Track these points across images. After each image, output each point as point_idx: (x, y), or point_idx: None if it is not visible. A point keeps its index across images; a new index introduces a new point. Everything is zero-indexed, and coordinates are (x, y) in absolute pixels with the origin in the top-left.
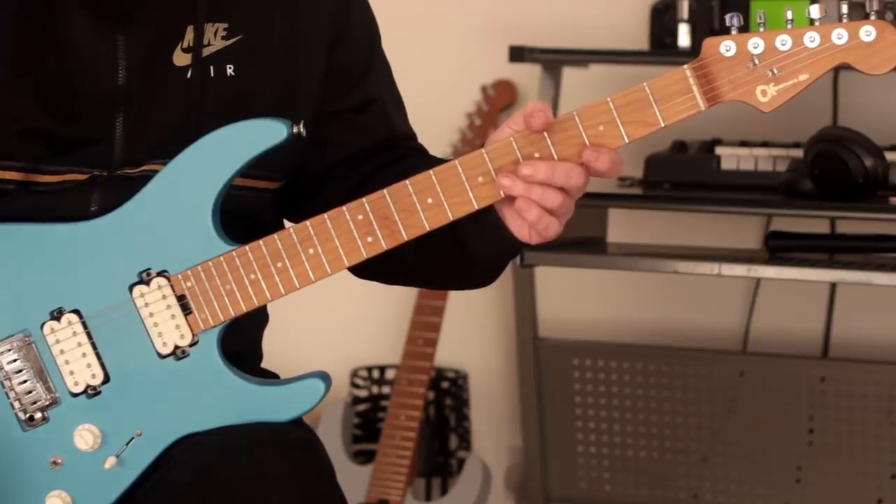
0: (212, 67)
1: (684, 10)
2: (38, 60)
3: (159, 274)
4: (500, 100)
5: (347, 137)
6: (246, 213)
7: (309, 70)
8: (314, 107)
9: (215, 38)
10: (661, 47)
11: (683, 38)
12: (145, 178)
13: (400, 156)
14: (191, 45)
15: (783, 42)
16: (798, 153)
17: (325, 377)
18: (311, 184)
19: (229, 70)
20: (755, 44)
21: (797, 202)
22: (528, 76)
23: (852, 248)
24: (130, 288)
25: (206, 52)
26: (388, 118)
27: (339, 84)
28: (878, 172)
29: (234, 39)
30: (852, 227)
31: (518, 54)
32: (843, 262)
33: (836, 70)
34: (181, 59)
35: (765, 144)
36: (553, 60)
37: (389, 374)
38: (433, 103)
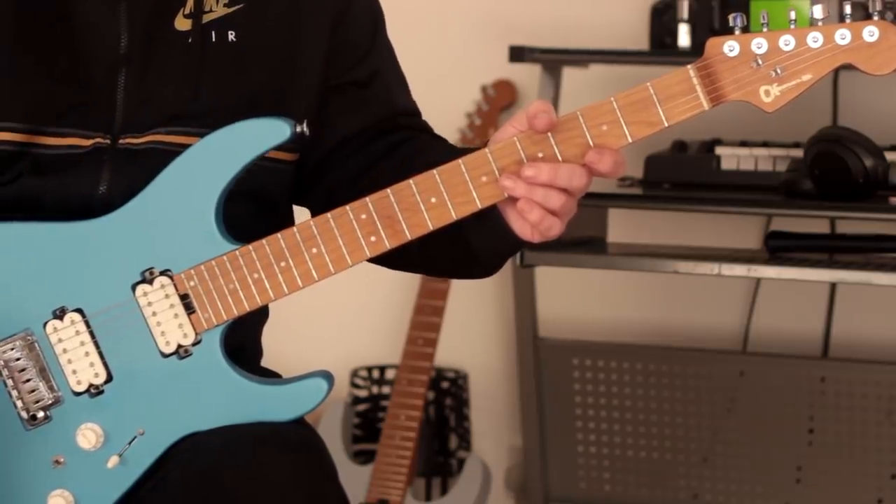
0: (213, 33)
1: (684, 10)
2: (41, 22)
3: (162, 273)
4: (500, 100)
5: (350, 113)
6: (260, 188)
7: (311, 44)
8: (316, 80)
9: (217, 4)
10: (661, 47)
11: (683, 38)
12: (150, 152)
13: (403, 139)
14: (192, 10)
15: (786, 42)
16: (798, 153)
17: (327, 377)
18: (316, 164)
19: (231, 36)
20: (759, 44)
21: (797, 202)
22: (528, 76)
23: (852, 248)
24: (133, 287)
25: (208, 17)
26: (389, 94)
27: (343, 59)
28: (878, 172)
29: (236, 7)
30: (852, 227)
31: (518, 54)
32: (843, 262)
33: (837, 70)
34: (183, 24)
35: (765, 144)
36: (553, 60)
37: (389, 374)
38: (433, 103)
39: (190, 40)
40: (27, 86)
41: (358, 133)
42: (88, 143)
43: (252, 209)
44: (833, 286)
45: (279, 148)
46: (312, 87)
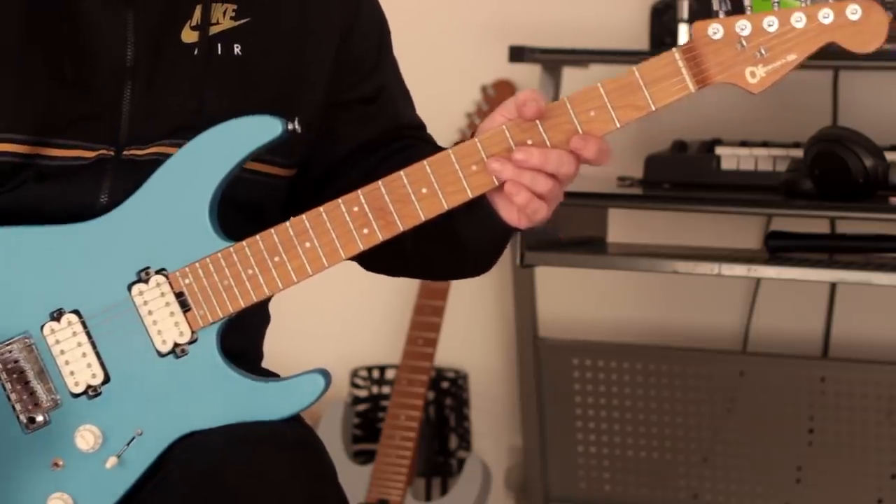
0: (219, 45)
1: (684, 10)
2: (48, 32)
3: (158, 272)
4: (500, 100)
5: (355, 128)
6: (253, 201)
7: (317, 59)
8: (321, 96)
9: (224, 17)
10: (662, 47)
11: (683, 38)
12: (153, 163)
13: (407, 145)
14: (199, 23)
15: (770, 23)
16: (798, 153)
17: (324, 373)
18: (319, 177)
19: (236, 49)
20: (742, 26)
21: (797, 202)
22: (528, 76)
23: (852, 248)
24: (129, 287)
25: (214, 30)
26: (395, 109)
27: (349, 75)
28: (878, 172)
29: (242, 21)
30: (852, 227)
31: (518, 54)
32: (843, 262)
33: (836, 70)
34: (189, 36)
35: (765, 144)
36: (553, 60)
37: (389, 374)
38: (433, 103)
39: (196, 52)
40: (34, 96)
41: (364, 145)
42: (92, 154)
43: (241, 220)
44: (833, 286)
45: (274, 162)
46: (317, 102)
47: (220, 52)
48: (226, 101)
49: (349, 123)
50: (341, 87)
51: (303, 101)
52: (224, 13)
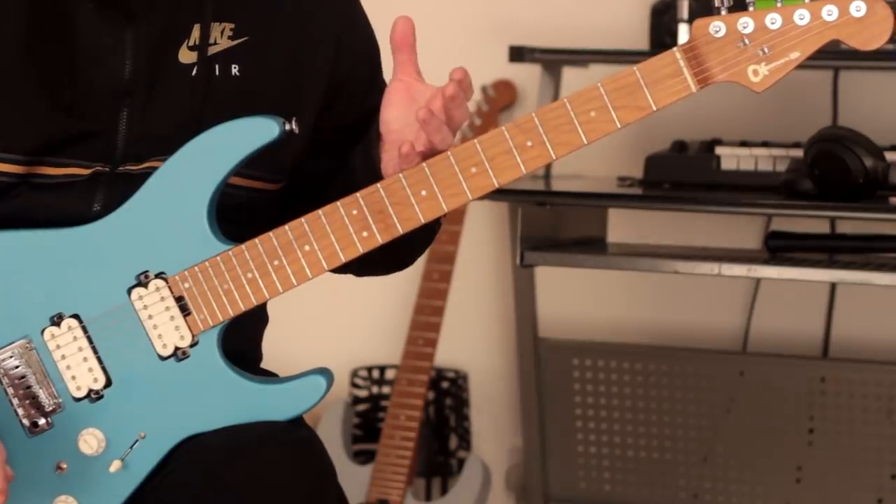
0: (217, 66)
1: (684, 10)
2: (46, 51)
3: (157, 276)
4: (500, 100)
5: (351, 147)
6: (242, 213)
7: (313, 78)
8: (317, 114)
9: (221, 37)
10: (662, 47)
11: (683, 37)
12: (147, 176)
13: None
14: (197, 43)
15: (773, 20)
16: (798, 153)
17: (326, 373)
18: (315, 188)
19: (234, 70)
20: (745, 23)
21: (797, 202)
22: (528, 76)
23: (852, 248)
24: (129, 291)
25: (212, 50)
26: None
27: (343, 98)
28: (878, 172)
29: (240, 40)
30: (852, 227)
31: (518, 54)
32: (843, 262)
33: (836, 70)
34: (187, 56)
35: (765, 144)
36: (553, 60)
37: (389, 374)
38: None
39: (194, 73)
40: (31, 118)
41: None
42: (87, 171)
43: (234, 228)
44: (833, 286)
45: (252, 176)
46: (313, 117)
47: (217, 73)
48: (224, 122)
49: (345, 143)
50: (338, 111)
51: (300, 118)
52: (222, 32)
